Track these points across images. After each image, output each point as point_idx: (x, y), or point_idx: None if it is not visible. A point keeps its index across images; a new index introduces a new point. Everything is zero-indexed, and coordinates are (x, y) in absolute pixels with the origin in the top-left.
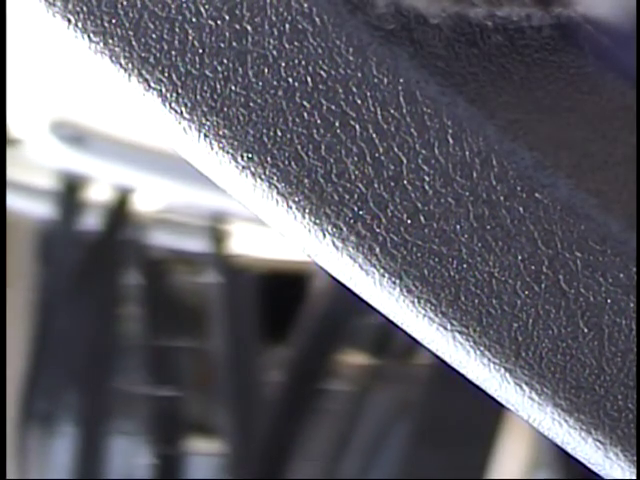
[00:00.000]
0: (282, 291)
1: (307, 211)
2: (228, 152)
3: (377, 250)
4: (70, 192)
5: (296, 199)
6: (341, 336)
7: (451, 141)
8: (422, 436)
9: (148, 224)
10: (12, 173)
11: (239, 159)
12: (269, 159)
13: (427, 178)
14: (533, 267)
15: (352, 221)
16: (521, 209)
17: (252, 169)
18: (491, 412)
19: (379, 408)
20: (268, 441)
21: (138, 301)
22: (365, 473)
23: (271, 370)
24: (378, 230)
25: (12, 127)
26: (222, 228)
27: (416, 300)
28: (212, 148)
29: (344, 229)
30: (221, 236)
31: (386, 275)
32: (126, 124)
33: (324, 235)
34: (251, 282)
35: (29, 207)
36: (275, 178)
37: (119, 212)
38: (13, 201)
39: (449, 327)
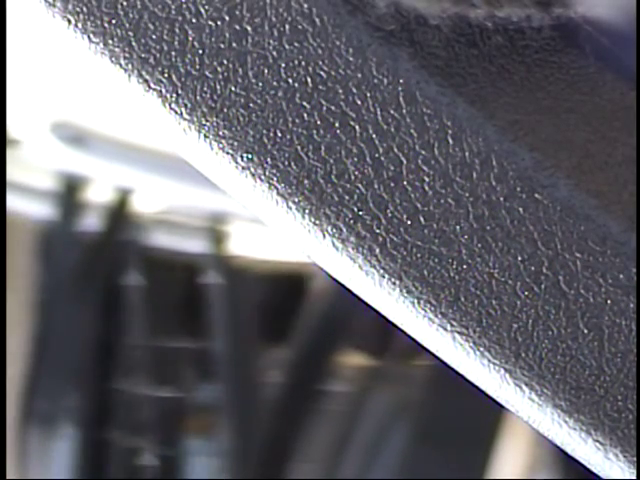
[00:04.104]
0: (282, 292)
1: (307, 212)
2: (228, 153)
3: (377, 251)
4: (70, 193)
5: (296, 200)
6: (341, 337)
7: (451, 142)
8: (422, 436)
9: (148, 225)
10: (12, 174)
11: (239, 160)
12: (269, 160)
13: (427, 179)
14: (533, 268)
15: (352, 222)
16: (521, 210)
17: (252, 170)
18: (491, 412)
19: (379, 408)
20: (268, 442)
21: (138, 302)
22: (365, 473)
23: (271, 371)
24: (378, 231)
25: (12, 128)
26: (222, 229)
27: (416, 301)
28: (212, 149)
29: (344, 230)
30: (221, 237)
31: (386, 276)
32: (126, 125)
33: (324, 236)
34: (251, 283)
35: (29, 208)
36: (275, 179)
37: (119, 213)
38: (13, 202)
39: (449, 328)
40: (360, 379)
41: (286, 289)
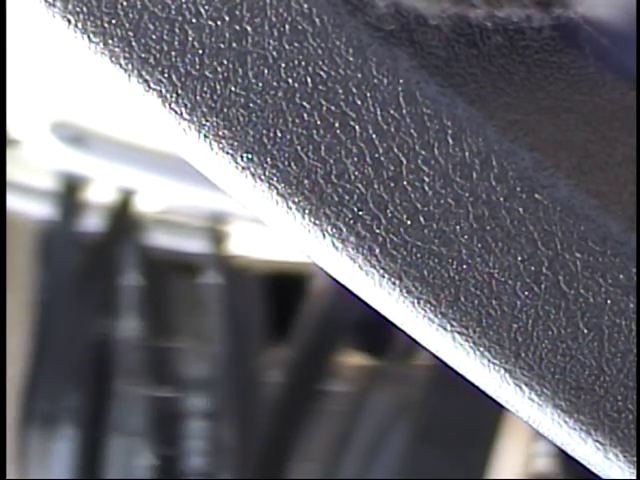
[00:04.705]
0: (282, 292)
1: (307, 212)
2: (228, 153)
3: (377, 251)
4: (70, 193)
5: (296, 200)
6: (341, 337)
7: (451, 142)
8: (422, 436)
9: (148, 225)
10: (12, 174)
11: (239, 160)
12: (269, 160)
13: (427, 179)
14: (533, 268)
15: (352, 222)
16: (521, 210)
17: (252, 170)
18: (491, 412)
19: (379, 409)
20: (268, 441)
21: (138, 302)
22: (365, 473)
23: (271, 370)
24: (378, 231)
25: (12, 128)
26: (222, 229)
27: (416, 301)
28: (212, 149)
29: (344, 230)
30: (221, 237)
31: (386, 276)
32: (126, 125)
33: (324, 236)
34: (251, 283)
35: (29, 208)
36: (275, 179)
37: (119, 213)
38: (13, 201)
39: (449, 328)
40: (360, 379)
41: (286, 289)
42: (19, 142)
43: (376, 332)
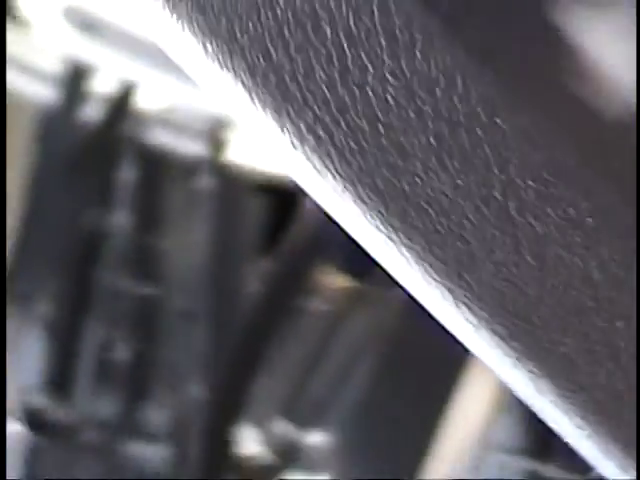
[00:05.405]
0: (275, 204)
1: (269, 106)
2: (198, 36)
3: (333, 153)
4: (75, 79)
5: (260, 93)
6: (325, 256)
7: (419, 55)
8: (391, 363)
9: (148, 121)
10: (20, 54)
11: (208, 45)
12: (238, 50)
13: (390, 89)
14: (485, 191)
15: (312, 122)
16: (480, 131)
17: (220, 57)
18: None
19: (353, 330)
20: (240, 350)
21: (131, 196)
22: (332, 395)
23: (255, 281)
24: (336, 134)
25: (25, 8)
26: (223, 134)
27: (366, 208)
28: (183, 29)
29: (303, 129)
30: (220, 142)
31: (339, 180)
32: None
33: (283, 132)
34: (244, 192)
35: (32, 89)
36: (241, 70)
37: (121, 105)
38: (17, 81)
39: (396, 239)
40: (339, 299)
41: (279, 202)
42: (30, 23)
43: (360, 255)
